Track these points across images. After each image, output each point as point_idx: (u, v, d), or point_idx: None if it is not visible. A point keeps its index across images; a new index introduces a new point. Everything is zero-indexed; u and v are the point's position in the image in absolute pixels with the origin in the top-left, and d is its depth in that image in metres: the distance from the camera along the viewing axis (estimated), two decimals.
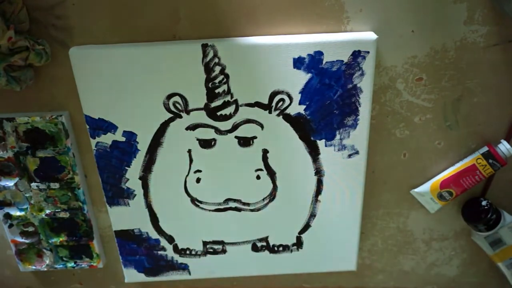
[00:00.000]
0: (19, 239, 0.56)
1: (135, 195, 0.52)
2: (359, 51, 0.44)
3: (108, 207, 0.53)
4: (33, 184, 0.53)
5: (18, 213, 0.55)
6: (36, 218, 0.55)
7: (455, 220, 0.59)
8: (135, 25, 0.45)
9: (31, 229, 0.56)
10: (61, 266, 0.59)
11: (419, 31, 0.46)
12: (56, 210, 0.55)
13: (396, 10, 0.45)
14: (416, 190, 0.55)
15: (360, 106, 0.47)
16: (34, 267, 0.59)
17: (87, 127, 0.48)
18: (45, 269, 0.59)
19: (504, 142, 0.51)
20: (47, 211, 0.55)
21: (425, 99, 0.50)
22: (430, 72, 0.48)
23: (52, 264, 0.58)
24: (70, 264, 0.59)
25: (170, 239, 0.55)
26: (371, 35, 0.44)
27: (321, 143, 0.49)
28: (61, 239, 0.57)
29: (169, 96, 0.46)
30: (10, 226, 0.55)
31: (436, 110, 0.51)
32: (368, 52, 0.44)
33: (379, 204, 0.57)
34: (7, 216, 0.55)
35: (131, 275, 0.58)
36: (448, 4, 0.45)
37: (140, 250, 0.56)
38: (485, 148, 0.51)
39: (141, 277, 0.58)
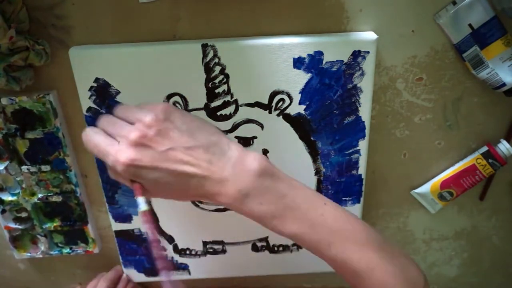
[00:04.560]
0: (13, 225, 0.55)
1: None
2: (359, 51, 0.44)
3: (108, 207, 0.53)
4: (24, 167, 0.52)
5: (10, 198, 0.54)
6: (28, 203, 0.54)
7: (455, 220, 0.59)
8: (135, 25, 0.45)
9: (24, 214, 0.55)
10: (56, 252, 0.58)
11: (419, 31, 0.46)
12: (49, 194, 0.54)
13: (396, 10, 0.45)
14: (417, 190, 0.55)
15: (360, 106, 0.47)
16: (29, 254, 0.58)
17: (87, 126, 0.48)
18: (41, 256, 0.58)
19: (504, 142, 0.51)
20: (40, 195, 0.54)
21: (425, 99, 0.50)
22: (430, 72, 0.48)
23: (47, 250, 0.57)
24: (66, 250, 0.58)
25: (170, 239, 0.55)
26: (371, 35, 0.44)
27: (321, 143, 0.49)
28: (55, 224, 0.56)
29: (169, 96, 0.46)
30: (3, 212, 0.54)
31: (436, 110, 0.51)
32: (368, 52, 0.44)
33: (379, 204, 0.57)
34: None
35: (131, 275, 0.58)
36: (447, 4, 0.45)
37: (140, 250, 0.56)
38: (485, 148, 0.51)
39: (141, 277, 0.58)
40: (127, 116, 0.37)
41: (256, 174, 0.36)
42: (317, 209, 0.38)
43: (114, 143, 0.35)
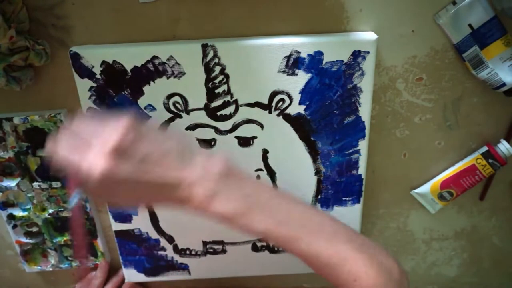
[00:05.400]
0: (24, 240, 0.56)
1: None
2: (359, 51, 0.44)
3: (108, 207, 0.53)
4: (35, 184, 0.53)
5: (21, 214, 0.55)
6: (39, 218, 0.55)
7: (455, 220, 0.59)
8: (135, 25, 0.45)
9: (35, 229, 0.57)
10: (66, 265, 0.59)
11: (419, 31, 0.46)
12: (59, 209, 0.55)
13: (396, 10, 0.45)
14: (417, 190, 0.55)
15: (360, 106, 0.47)
16: (39, 268, 0.59)
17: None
18: (51, 269, 0.59)
19: (504, 142, 0.51)
20: (50, 211, 0.55)
21: (425, 99, 0.50)
22: (430, 72, 0.48)
23: (57, 264, 0.58)
24: (75, 263, 0.59)
25: (170, 239, 0.55)
26: (371, 35, 0.44)
27: (321, 143, 0.49)
28: (65, 238, 0.57)
29: (169, 96, 0.46)
30: (14, 226, 0.56)
31: (436, 110, 0.51)
32: (368, 52, 0.44)
33: (379, 204, 0.57)
34: (11, 216, 0.55)
35: (131, 275, 0.58)
36: (447, 4, 0.45)
37: (140, 250, 0.56)
38: (485, 148, 0.51)
39: (141, 277, 0.58)
40: (91, 129, 0.35)
41: (221, 175, 0.36)
42: (283, 206, 0.39)
43: (87, 151, 0.33)
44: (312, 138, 0.49)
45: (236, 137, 0.49)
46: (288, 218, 0.38)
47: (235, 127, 0.48)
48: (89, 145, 0.33)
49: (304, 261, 0.39)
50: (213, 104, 0.47)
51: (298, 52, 0.44)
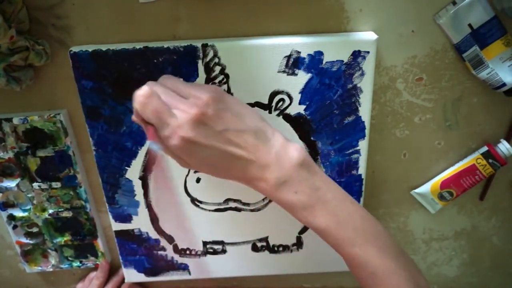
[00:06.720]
0: (24, 240, 0.56)
1: (135, 195, 0.52)
2: (359, 51, 0.44)
3: (108, 207, 0.53)
4: (35, 184, 0.53)
5: (21, 214, 0.55)
6: (39, 218, 0.55)
7: (455, 220, 0.59)
8: (135, 25, 0.45)
9: (35, 229, 0.57)
10: (66, 266, 0.59)
11: (419, 31, 0.46)
12: (59, 210, 0.55)
13: (396, 10, 0.45)
14: (417, 190, 0.55)
15: (360, 106, 0.47)
16: (40, 268, 0.59)
17: (87, 127, 0.48)
18: (51, 270, 0.59)
19: (504, 142, 0.51)
20: (50, 211, 0.55)
21: (425, 99, 0.50)
22: (430, 72, 0.48)
23: (57, 264, 0.58)
24: (76, 264, 0.59)
25: (170, 239, 0.55)
26: (371, 35, 0.44)
27: (321, 143, 0.49)
28: (65, 238, 0.57)
29: None
30: (14, 227, 0.55)
31: (436, 110, 0.51)
32: (368, 52, 0.44)
33: (379, 204, 0.57)
34: (11, 217, 0.55)
35: (131, 275, 0.58)
36: (447, 4, 0.45)
37: (140, 250, 0.56)
38: (485, 148, 0.51)
39: (141, 277, 0.58)
40: (179, 89, 0.37)
41: (296, 164, 0.37)
42: (345, 207, 0.39)
43: (174, 115, 0.35)
44: (312, 138, 0.49)
45: None
46: (348, 220, 0.38)
47: None
48: (172, 112, 0.35)
49: (350, 265, 0.40)
50: None
51: (298, 52, 0.44)
